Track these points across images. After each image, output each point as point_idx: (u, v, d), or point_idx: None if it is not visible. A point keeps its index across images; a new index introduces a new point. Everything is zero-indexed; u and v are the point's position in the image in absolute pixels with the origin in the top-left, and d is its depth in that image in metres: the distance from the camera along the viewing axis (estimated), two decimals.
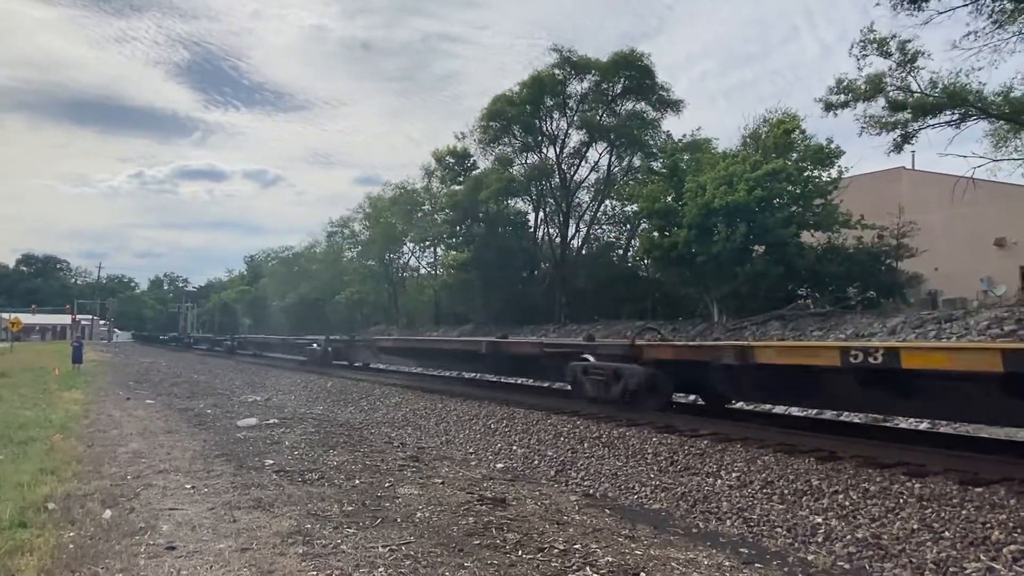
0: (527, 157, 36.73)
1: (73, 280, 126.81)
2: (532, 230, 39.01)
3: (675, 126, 53.59)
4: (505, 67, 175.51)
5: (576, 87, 34.47)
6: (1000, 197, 27.35)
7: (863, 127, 20.52)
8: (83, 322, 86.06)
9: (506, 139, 36.41)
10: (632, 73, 32.44)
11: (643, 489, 7.15)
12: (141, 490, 6.66)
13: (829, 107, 20.72)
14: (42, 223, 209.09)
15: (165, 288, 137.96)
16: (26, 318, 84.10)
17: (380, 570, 4.41)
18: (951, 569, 4.65)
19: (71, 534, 5.14)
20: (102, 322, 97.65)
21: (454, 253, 40.78)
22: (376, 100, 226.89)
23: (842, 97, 20.41)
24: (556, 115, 35.12)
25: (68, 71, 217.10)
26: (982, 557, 4.72)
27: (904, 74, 19.24)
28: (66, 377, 22.41)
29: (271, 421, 11.89)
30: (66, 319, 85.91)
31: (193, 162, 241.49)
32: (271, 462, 8.10)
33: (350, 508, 6.01)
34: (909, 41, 18.89)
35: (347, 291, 52.08)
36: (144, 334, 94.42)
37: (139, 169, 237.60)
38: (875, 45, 19.26)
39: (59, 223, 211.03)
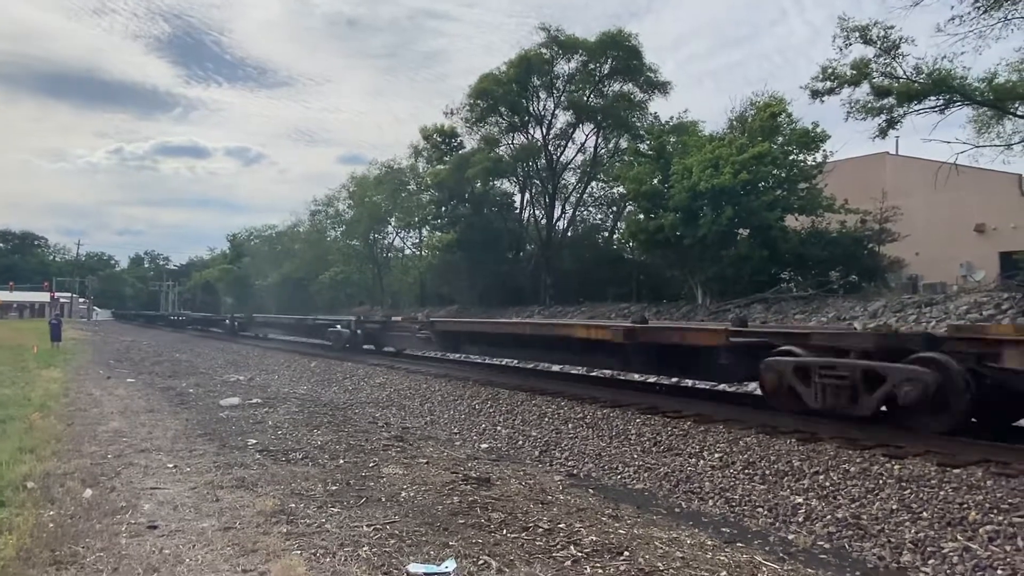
0: (513, 137, 36.49)
1: (51, 257, 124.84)
2: (518, 211, 38.88)
3: (662, 108, 53.13)
4: (492, 46, 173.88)
5: (563, 67, 34.17)
6: (981, 183, 27.60)
7: (849, 112, 20.56)
8: (62, 300, 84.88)
9: (492, 119, 36.10)
10: (619, 54, 32.19)
11: (626, 469, 7.20)
12: (122, 469, 6.61)
13: (815, 94, 20.69)
14: (19, 199, 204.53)
15: (146, 266, 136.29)
16: (3, 295, 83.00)
17: (364, 549, 4.41)
18: (929, 548, 4.72)
19: (51, 513, 5.09)
20: (81, 300, 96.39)
21: (439, 234, 40.56)
22: (361, 77, 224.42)
23: (828, 84, 20.40)
24: (543, 95, 34.84)
25: (44, 43, 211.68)
26: (959, 537, 4.80)
27: (889, 60, 19.27)
28: (45, 355, 22.12)
29: (254, 401, 11.83)
30: (44, 297, 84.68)
31: (174, 138, 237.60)
32: (254, 441, 8.07)
33: (334, 487, 6.00)
34: (892, 27, 18.91)
35: (331, 271, 51.73)
36: (142, 313, 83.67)
37: (118, 145, 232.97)
38: (857, 33, 19.25)
39: (36, 199, 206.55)
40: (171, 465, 6.81)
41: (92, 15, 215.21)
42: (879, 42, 19.03)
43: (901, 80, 19.06)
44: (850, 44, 19.40)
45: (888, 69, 19.34)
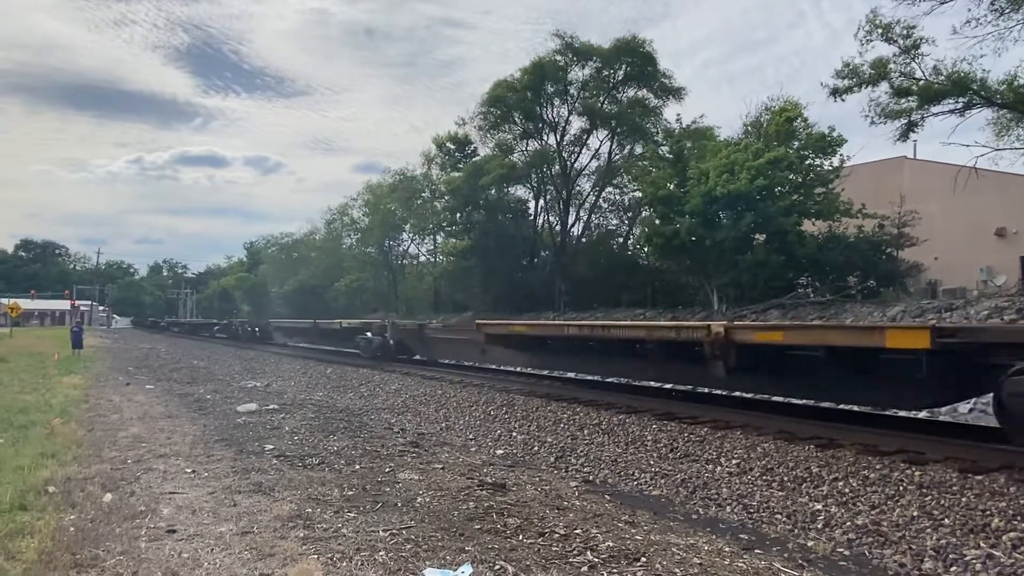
0: (527, 144, 36.60)
1: (72, 266, 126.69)
2: (532, 218, 38.95)
3: (677, 113, 53.23)
4: (508, 53, 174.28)
5: (577, 73, 34.30)
6: (1001, 187, 27.26)
7: (868, 116, 20.45)
8: (82, 308, 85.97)
9: (507, 126, 36.24)
10: (634, 60, 32.25)
11: (643, 475, 7.15)
12: (141, 474, 6.67)
13: (835, 92, 20.61)
14: (40, 208, 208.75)
15: (164, 274, 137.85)
16: (25, 303, 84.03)
17: (381, 554, 4.41)
18: (951, 556, 4.65)
19: (72, 517, 5.14)
20: (101, 308, 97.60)
21: (454, 241, 40.69)
22: (378, 86, 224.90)
23: (847, 82, 20.30)
24: (557, 102, 34.95)
25: (65, 54, 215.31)
26: (982, 544, 4.72)
27: (908, 60, 19.15)
28: (65, 362, 22.41)
29: (271, 407, 11.89)
30: (65, 305, 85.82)
31: (193, 148, 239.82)
32: (271, 447, 8.11)
33: (350, 492, 6.01)
34: (914, 27, 18.79)
35: (346, 278, 52.04)
36: (206, 321, 65.62)
37: (138, 154, 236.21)
38: (880, 31, 19.15)
39: (57, 208, 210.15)
40: (189, 470, 6.86)
41: (113, 26, 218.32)
42: (900, 40, 18.92)
43: (920, 82, 18.93)
44: (872, 40, 19.31)
45: (907, 69, 19.22)
